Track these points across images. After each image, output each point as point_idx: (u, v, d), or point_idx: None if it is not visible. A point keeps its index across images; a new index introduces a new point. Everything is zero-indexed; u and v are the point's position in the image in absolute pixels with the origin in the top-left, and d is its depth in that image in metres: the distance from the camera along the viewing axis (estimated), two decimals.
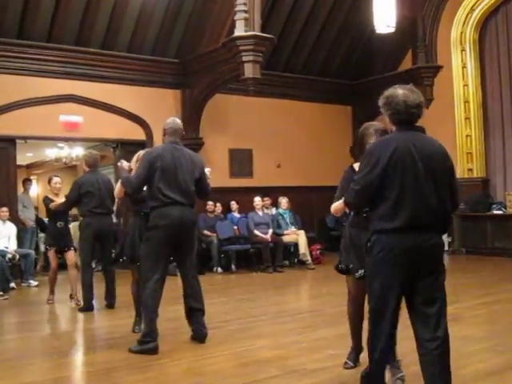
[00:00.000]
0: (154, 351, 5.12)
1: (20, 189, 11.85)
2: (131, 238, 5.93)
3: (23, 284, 9.86)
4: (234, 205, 12.43)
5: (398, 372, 4.10)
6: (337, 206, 4.07)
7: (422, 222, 3.35)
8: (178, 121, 5.66)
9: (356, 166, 4.19)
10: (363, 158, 3.51)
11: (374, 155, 3.40)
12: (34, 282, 9.88)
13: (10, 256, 9.43)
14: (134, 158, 5.97)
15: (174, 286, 5.78)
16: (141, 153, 5.92)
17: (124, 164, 5.66)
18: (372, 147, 3.52)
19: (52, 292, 8.10)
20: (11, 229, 10.00)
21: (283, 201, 12.04)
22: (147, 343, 5.16)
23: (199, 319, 5.53)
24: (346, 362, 4.48)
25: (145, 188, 5.51)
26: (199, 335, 5.50)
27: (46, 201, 8.03)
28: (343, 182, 4.25)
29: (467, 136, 13.25)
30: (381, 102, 3.53)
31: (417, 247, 3.34)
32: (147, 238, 5.39)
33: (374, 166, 3.36)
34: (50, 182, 8.34)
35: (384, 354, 3.50)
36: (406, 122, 3.47)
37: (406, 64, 14.05)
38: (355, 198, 3.53)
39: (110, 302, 7.53)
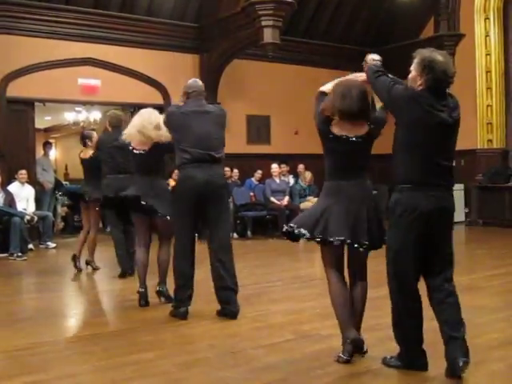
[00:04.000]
0: (183, 316, 5.05)
1: (39, 152, 11.92)
2: None
3: (41, 246, 10.00)
4: (258, 173, 12.38)
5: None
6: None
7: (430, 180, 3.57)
8: (200, 82, 5.44)
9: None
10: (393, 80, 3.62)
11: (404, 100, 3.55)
12: (51, 244, 10.01)
13: (28, 218, 9.54)
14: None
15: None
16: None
17: None
18: (405, 94, 3.56)
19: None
20: (30, 191, 10.10)
21: (308, 176, 12.04)
22: (178, 308, 5.11)
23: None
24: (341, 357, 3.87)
25: None
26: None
27: None
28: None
29: (488, 106, 13.07)
30: (420, 63, 3.55)
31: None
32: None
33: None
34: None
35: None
36: (441, 89, 3.56)
37: (428, 32, 13.83)
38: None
39: (131, 265, 7.22)
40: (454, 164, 3.70)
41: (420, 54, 3.56)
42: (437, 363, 3.67)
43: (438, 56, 3.52)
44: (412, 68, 3.61)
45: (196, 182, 5.05)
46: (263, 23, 10.39)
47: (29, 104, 10.96)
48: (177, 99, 5.76)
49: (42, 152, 12.01)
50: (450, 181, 3.65)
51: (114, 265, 7.64)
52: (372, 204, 3.90)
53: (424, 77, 3.51)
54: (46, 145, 12.31)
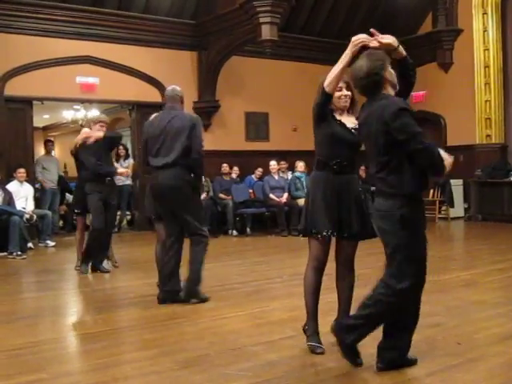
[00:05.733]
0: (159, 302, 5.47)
1: (38, 150, 11.87)
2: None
3: (40, 244, 9.99)
4: (258, 171, 12.37)
5: None
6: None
7: None
8: (177, 88, 5.76)
9: None
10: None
11: None
12: (51, 243, 10.01)
13: (27, 216, 9.53)
14: None
15: (186, 249, 5.77)
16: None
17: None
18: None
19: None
20: (28, 190, 10.08)
21: (300, 164, 12.00)
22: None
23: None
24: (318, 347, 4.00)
25: None
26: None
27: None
28: None
29: (486, 101, 13.05)
30: None
31: None
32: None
33: None
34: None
35: None
36: (364, 94, 3.59)
37: (426, 27, 13.82)
38: None
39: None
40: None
41: None
42: (436, 360, 3.68)
43: (356, 63, 3.58)
44: None
45: None
46: (261, 20, 10.40)
47: (27, 102, 10.95)
48: None
49: (44, 151, 11.92)
50: None
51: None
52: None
53: None
54: (48, 143, 12.09)
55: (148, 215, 6.32)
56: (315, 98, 3.92)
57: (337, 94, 3.98)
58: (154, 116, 5.77)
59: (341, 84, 3.99)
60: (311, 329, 4.06)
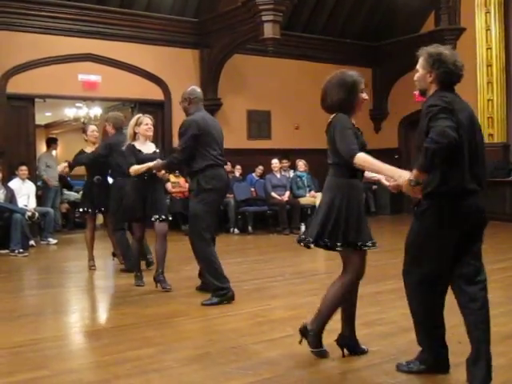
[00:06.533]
0: (232, 298, 5.44)
1: (40, 148, 11.86)
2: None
3: (42, 242, 9.99)
4: (259, 169, 12.42)
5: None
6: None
7: None
8: (199, 89, 5.91)
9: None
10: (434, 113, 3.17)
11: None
12: (52, 240, 10.01)
13: (29, 214, 9.53)
14: (133, 122, 6.18)
15: (188, 246, 5.79)
16: (140, 116, 6.24)
17: None
18: (443, 103, 3.21)
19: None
20: (30, 187, 10.10)
21: (300, 163, 12.00)
22: (226, 294, 5.42)
23: None
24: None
25: None
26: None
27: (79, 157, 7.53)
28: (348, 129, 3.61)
29: (489, 100, 13.04)
30: (429, 58, 3.40)
31: None
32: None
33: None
34: (85, 131, 7.73)
35: None
36: (453, 84, 3.44)
37: (429, 26, 13.80)
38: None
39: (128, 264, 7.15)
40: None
41: (425, 51, 3.42)
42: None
43: (445, 50, 3.44)
44: (419, 67, 3.46)
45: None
46: (263, 18, 10.39)
47: (29, 100, 10.96)
48: (177, 95, 5.95)
49: (46, 148, 11.91)
50: None
51: (116, 261, 7.66)
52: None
53: (435, 72, 3.38)
54: (50, 141, 12.05)
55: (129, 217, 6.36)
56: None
57: (362, 95, 3.79)
58: (200, 114, 5.64)
59: (363, 85, 3.81)
60: (317, 340, 3.89)
